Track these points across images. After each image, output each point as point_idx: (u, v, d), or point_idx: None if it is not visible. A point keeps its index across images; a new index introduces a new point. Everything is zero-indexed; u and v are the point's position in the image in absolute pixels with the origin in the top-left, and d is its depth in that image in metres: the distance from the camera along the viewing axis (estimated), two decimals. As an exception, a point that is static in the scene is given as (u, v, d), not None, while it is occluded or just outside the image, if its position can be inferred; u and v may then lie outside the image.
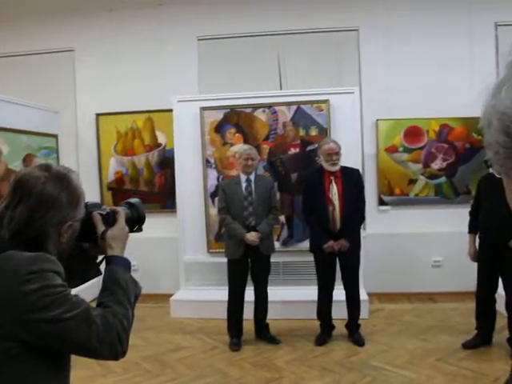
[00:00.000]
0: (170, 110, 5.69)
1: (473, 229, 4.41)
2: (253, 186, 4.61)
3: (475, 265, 4.35)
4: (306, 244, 4.99)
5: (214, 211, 5.41)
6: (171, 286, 5.74)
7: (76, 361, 1.23)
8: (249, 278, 4.64)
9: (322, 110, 5.40)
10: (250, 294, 4.64)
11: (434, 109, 5.82)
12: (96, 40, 6.44)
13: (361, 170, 4.95)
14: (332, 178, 4.47)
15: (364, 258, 4.77)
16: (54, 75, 6.50)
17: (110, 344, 1.28)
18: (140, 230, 1.60)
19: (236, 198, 4.58)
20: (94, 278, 1.52)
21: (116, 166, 6.49)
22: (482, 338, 4.29)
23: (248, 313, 4.65)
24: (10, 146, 5.02)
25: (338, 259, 4.52)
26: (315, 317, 4.68)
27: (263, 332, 4.71)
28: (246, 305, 4.61)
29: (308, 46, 6.20)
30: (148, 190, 6.43)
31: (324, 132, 5.37)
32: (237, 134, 5.55)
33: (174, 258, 5.72)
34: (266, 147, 5.51)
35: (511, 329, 4.11)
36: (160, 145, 6.41)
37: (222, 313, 4.67)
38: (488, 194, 4.08)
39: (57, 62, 6.53)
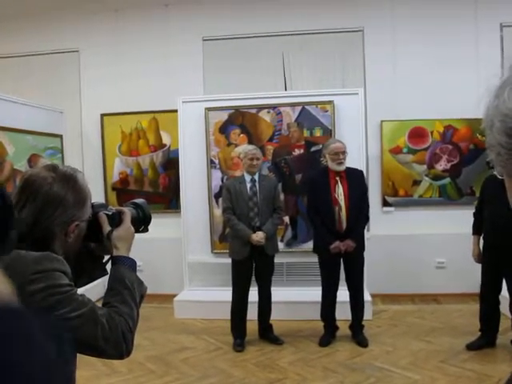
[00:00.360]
0: (175, 111, 5.70)
1: (477, 230, 4.41)
2: (257, 186, 4.61)
3: (479, 266, 4.35)
4: (309, 245, 4.99)
5: (218, 212, 5.41)
6: (175, 287, 5.75)
7: (81, 360, 1.23)
8: (252, 278, 4.65)
9: (326, 111, 5.40)
10: (253, 294, 4.65)
11: (439, 110, 5.82)
12: (101, 40, 6.46)
13: (365, 171, 4.95)
14: (338, 178, 4.48)
15: (368, 259, 4.76)
16: (59, 75, 6.53)
17: (115, 343, 1.29)
18: (146, 230, 1.61)
19: (241, 199, 4.57)
20: (100, 277, 1.53)
21: (120, 167, 6.51)
22: (485, 340, 4.28)
23: (252, 313, 4.65)
24: (15, 147, 5.04)
25: (342, 260, 4.52)
26: (319, 318, 4.68)
27: (267, 333, 4.71)
28: (249, 305, 4.62)
29: (313, 46, 6.20)
30: (152, 190, 6.44)
31: (328, 133, 5.37)
32: (241, 135, 5.56)
33: (178, 259, 5.72)
34: (270, 148, 5.52)
35: (515, 330, 4.12)
36: (164, 145, 6.42)
37: (226, 313, 4.67)
38: (492, 195, 4.07)
39: (62, 63, 6.55)
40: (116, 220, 1.47)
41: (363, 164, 5.26)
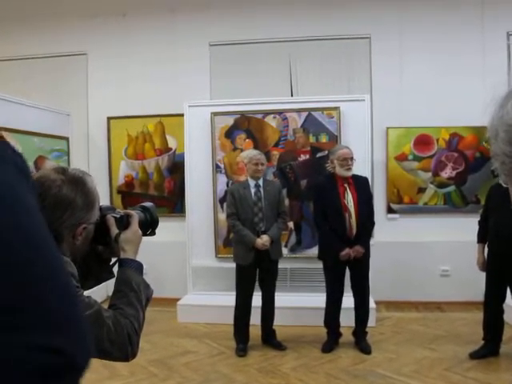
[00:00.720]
0: (181, 115, 5.73)
1: (482, 238, 4.40)
2: (262, 191, 4.61)
3: (483, 274, 4.34)
4: (314, 250, 4.99)
5: (222, 216, 5.42)
6: (179, 291, 5.75)
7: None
8: (256, 283, 4.65)
9: (332, 117, 5.41)
10: (256, 299, 4.64)
11: (445, 117, 5.81)
12: (109, 44, 6.50)
13: (370, 178, 4.96)
14: (346, 185, 4.48)
15: (372, 265, 4.75)
16: (66, 78, 6.56)
17: (120, 345, 1.30)
18: (153, 233, 1.62)
19: (245, 204, 4.57)
20: (107, 280, 1.53)
21: (126, 170, 6.52)
22: (489, 349, 4.26)
23: (255, 318, 4.65)
24: (21, 148, 5.06)
25: (347, 266, 4.52)
26: (322, 324, 4.66)
27: (270, 338, 4.71)
28: (252, 310, 4.61)
29: (319, 52, 6.21)
30: (157, 194, 6.45)
31: (334, 139, 5.37)
32: (247, 140, 5.57)
33: (182, 263, 5.72)
34: (275, 153, 5.53)
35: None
36: (170, 149, 6.44)
37: (229, 318, 4.67)
38: (497, 203, 4.06)
39: (69, 65, 6.59)
40: (124, 223, 1.49)
41: (368, 170, 5.27)
